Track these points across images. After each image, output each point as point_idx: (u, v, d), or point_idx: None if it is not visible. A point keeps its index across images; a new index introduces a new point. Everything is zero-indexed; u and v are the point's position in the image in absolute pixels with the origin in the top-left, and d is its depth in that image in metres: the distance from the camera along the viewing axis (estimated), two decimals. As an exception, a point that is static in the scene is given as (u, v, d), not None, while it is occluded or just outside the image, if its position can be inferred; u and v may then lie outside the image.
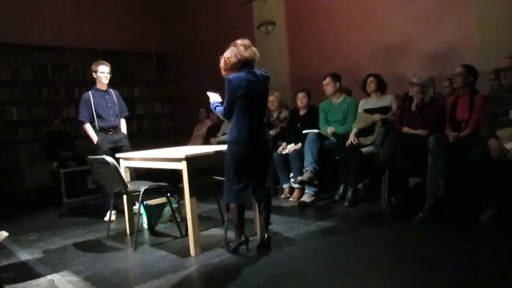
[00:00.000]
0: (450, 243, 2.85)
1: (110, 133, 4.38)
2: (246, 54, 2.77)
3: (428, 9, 4.79)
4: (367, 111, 4.35)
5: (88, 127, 4.35)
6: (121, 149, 4.27)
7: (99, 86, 4.44)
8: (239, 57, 2.76)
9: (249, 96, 2.75)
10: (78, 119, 4.44)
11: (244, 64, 2.78)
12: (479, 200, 3.26)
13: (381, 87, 4.40)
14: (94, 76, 4.41)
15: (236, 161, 2.80)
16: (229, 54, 2.81)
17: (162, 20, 8.65)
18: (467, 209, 3.46)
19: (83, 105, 4.35)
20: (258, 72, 2.84)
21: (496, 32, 4.20)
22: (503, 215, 3.11)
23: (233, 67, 2.80)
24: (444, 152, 3.34)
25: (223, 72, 2.88)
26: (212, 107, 3.04)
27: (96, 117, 4.35)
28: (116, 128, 4.46)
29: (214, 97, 3.06)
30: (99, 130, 4.35)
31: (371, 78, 4.39)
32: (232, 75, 2.76)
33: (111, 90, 4.54)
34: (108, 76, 4.41)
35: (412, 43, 4.96)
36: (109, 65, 4.43)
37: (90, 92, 4.42)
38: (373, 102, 4.39)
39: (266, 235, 2.92)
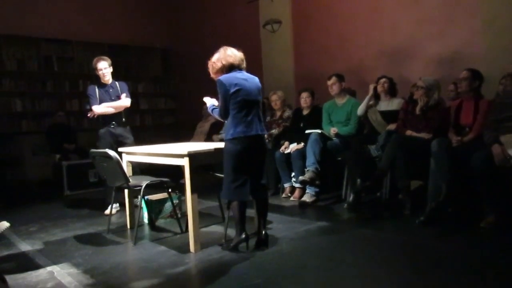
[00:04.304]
0: (450, 247, 2.84)
1: (112, 126, 4.43)
2: (231, 59, 2.88)
3: (435, 11, 4.76)
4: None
5: (99, 106, 4.36)
6: (124, 144, 4.30)
7: (102, 81, 4.49)
8: (224, 62, 2.89)
9: (241, 93, 2.81)
10: (90, 108, 4.47)
11: (229, 69, 2.88)
12: (481, 205, 3.25)
13: (392, 91, 4.37)
14: (96, 73, 4.47)
15: (234, 158, 2.83)
16: (215, 59, 2.93)
17: (167, 15, 8.65)
18: (468, 214, 3.45)
19: (91, 95, 4.40)
20: (246, 73, 2.95)
21: (503, 37, 4.18)
22: (504, 221, 3.09)
23: (218, 72, 2.92)
24: (446, 156, 3.33)
25: (212, 75, 2.98)
26: (209, 110, 3.13)
27: None
28: (119, 121, 4.47)
29: (211, 101, 3.13)
30: (102, 123, 4.42)
31: (384, 79, 4.34)
32: (223, 76, 2.86)
33: (116, 82, 4.56)
34: (108, 70, 4.44)
35: (418, 45, 4.93)
36: (108, 59, 4.47)
37: (95, 86, 4.50)
38: (382, 105, 4.35)
39: (263, 232, 2.94)
